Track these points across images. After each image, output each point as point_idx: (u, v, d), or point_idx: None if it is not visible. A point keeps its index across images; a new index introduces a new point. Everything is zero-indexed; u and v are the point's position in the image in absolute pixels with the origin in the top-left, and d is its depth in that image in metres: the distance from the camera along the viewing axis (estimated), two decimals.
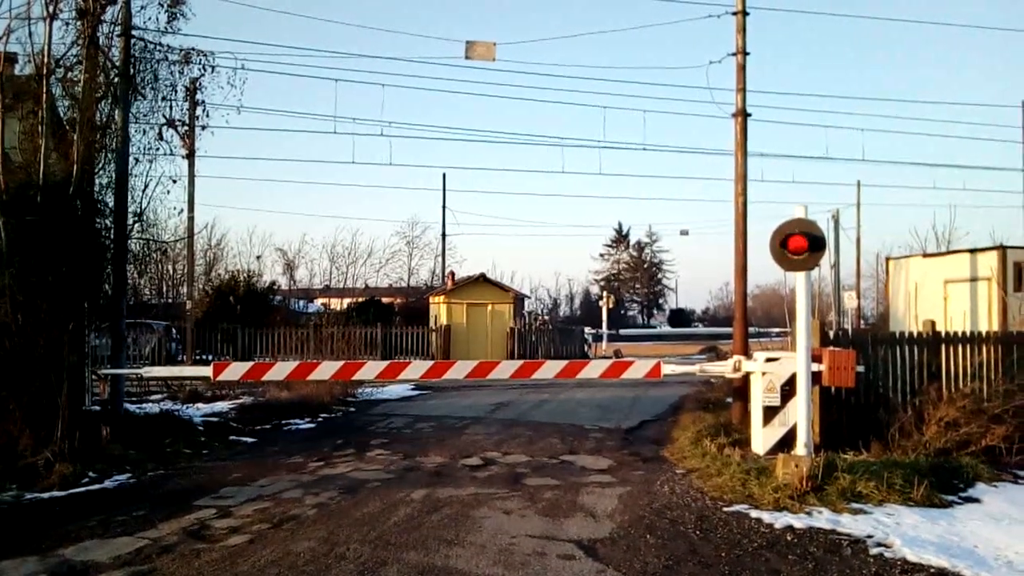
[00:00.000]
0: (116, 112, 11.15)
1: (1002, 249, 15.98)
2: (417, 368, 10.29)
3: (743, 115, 12.18)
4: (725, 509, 7.25)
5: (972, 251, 16.83)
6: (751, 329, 15.63)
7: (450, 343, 28.65)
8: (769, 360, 9.14)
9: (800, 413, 8.31)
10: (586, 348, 34.50)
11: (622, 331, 55.69)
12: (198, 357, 23.95)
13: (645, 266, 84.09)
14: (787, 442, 8.66)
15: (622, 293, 78.16)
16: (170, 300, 35.66)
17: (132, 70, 11.39)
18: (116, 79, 11.20)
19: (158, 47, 11.69)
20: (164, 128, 12.11)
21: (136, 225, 11.65)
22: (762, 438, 8.99)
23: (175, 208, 30.52)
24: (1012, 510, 7.17)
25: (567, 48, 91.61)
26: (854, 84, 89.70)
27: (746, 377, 9.71)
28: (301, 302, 39.97)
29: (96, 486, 8.41)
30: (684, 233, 48.41)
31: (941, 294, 16.84)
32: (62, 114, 10.62)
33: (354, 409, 15.51)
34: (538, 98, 48.58)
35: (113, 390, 11.01)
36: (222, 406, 14.13)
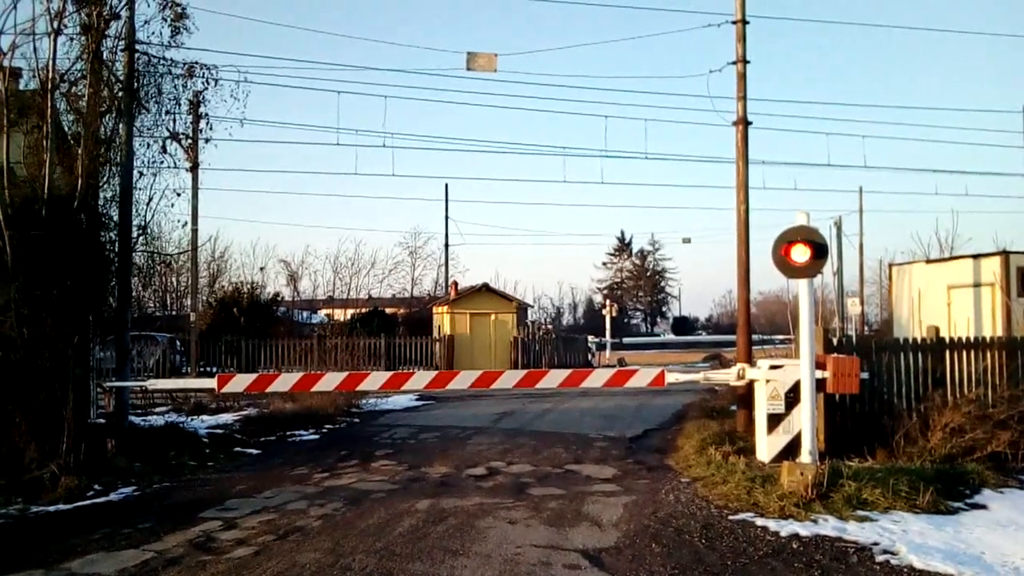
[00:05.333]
0: (120, 126, 11.22)
1: (1005, 254, 15.95)
2: (421, 378, 10.33)
3: (744, 123, 12.22)
4: (730, 517, 7.24)
5: (975, 257, 16.79)
6: (755, 336, 15.62)
7: (454, 353, 28.65)
8: (773, 367, 9.14)
9: (804, 420, 8.31)
10: (590, 357, 34.45)
11: (626, 339, 55.62)
12: (202, 369, 23.99)
13: (648, 274, 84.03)
14: (792, 449, 8.65)
15: (625, 301, 78.10)
16: (174, 312, 35.69)
17: (136, 84, 11.47)
18: (120, 93, 11.27)
19: (162, 61, 11.78)
20: (168, 141, 12.19)
21: (140, 238, 11.72)
22: (767, 446, 8.98)
23: (179, 221, 30.46)
24: (1019, 516, 7.15)
25: (568, 58, 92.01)
26: (855, 91, 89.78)
27: (750, 385, 9.70)
28: (305, 313, 40.01)
29: (102, 499, 8.42)
30: (686, 241, 48.84)
31: (945, 300, 16.80)
32: (67, 128, 10.69)
33: (358, 420, 15.52)
34: (540, 108, 48.67)
35: (118, 403, 11.03)
36: (227, 418, 14.14)
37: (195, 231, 23.96)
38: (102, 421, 10.59)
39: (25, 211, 9.51)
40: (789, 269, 8.45)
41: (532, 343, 30.38)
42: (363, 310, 37.74)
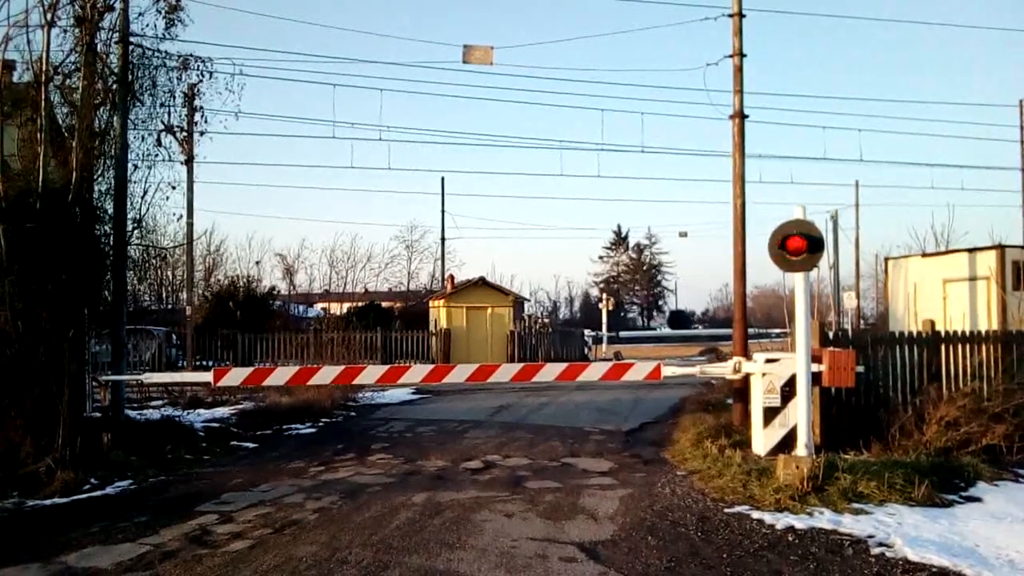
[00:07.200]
0: (115, 119, 11.16)
1: (1001, 248, 15.99)
2: (417, 372, 10.29)
3: (741, 117, 12.20)
4: (726, 510, 7.26)
5: (971, 251, 16.83)
6: (751, 330, 15.61)
7: (450, 347, 28.65)
8: (769, 361, 9.15)
9: (800, 414, 8.32)
10: (586, 350, 34.50)
11: (622, 333, 55.72)
12: (198, 363, 23.97)
13: (644, 268, 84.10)
14: (788, 443, 8.67)
15: (622, 295, 78.16)
16: (170, 306, 35.65)
17: (130, 77, 11.41)
18: (114, 86, 11.22)
19: (156, 53, 11.72)
20: (163, 134, 12.12)
21: (135, 231, 11.66)
22: (763, 439, 9.00)
23: (174, 214, 30.50)
24: (1013, 509, 7.18)
25: (564, 51, 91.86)
26: (851, 85, 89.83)
27: (746, 378, 9.72)
28: (301, 307, 39.99)
29: (98, 493, 8.41)
30: (683, 235, 48.44)
31: (940, 294, 16.84)
32: (61, 121, 10.63)
33: (354, 413, 15.51)
34: (536, 101, 48.79)
35: (114, 397, 11.01)
36: (223, 412, 14.13)
37: (191, 224, 23.95)
38: (98, 415, 10.57)
39: (19, 204, 9.46)
40: (785, 263, 8.44)
41: (529, 337, 30.40)
42: (359, 304, 37.71)
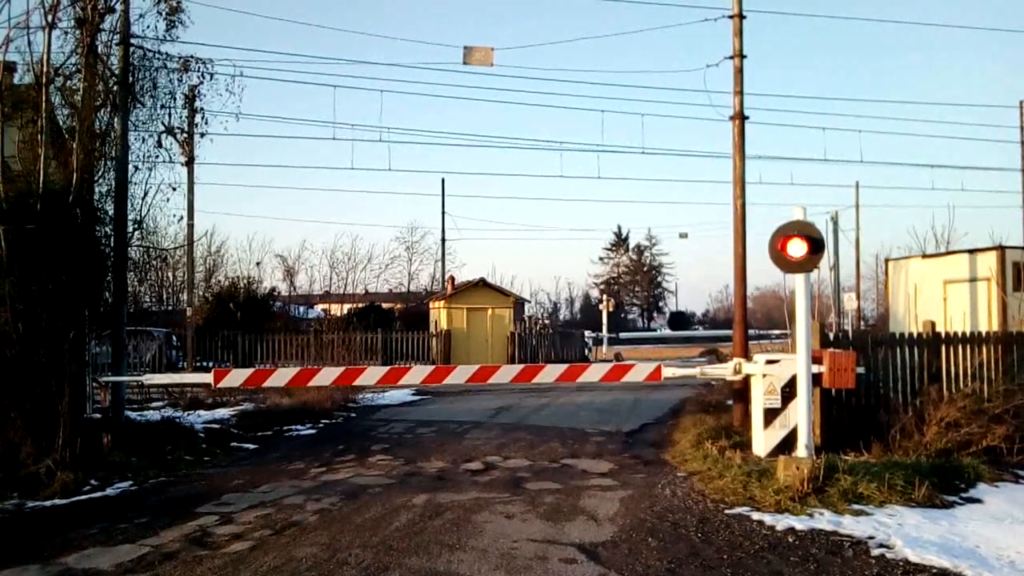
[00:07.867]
0: (115, 120, 11.17)
1: (1001, 249, 16.00)
2: (418, 373, 10.29)
3: (741, 118, 12.20)
4: (726, 511, 7.26)
5: (971, 251, 16.84)
6: (751, 331, 15.64)
7: (450, 348, 28.65)
8: (769, 362, 9.14)
9: (801, 415, 8.31)
10: (586, 351, 34.50)
11: (622, 334, 55.64)
12: (199, 364, 23.97)
13: (645, 269, 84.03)
14: (788, 444, 8.66)
15: (622, 296, 78.11)
16: (170, 307, 35.60)
17: (131, 78, 11.42)
18: (115, 87, 11.22)
19: (157, 55, 11.72)
20: (163, 136, 12.13)
21: (136, 233, 11.66)
22: (763, 440, 8.99)
23: (175, 215, 30.41)
24: (1014, 510, 7.18)
25: (565, 52, 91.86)
26: (852, 86, 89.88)
27: (746, 379, 9.71)
28: (301, 308, 39.98)
29: (98, 494, 8.42)
30: (683, 236, 48.40)
31: (941, 295, 16.85)
32: (61, 123, 10.64)
33: (355, 415, 15.51)
34: (536, 102, 48.79)
35: (114, 398, 11.00)
36: (223, 413, 14.13)
37: (191, 226, 23.96)
38: (98, 416, 10.56)
39: (20, 205, 9.47)
40: (786, 264, 8.44)
41: (529, 338, 30.40)
42: (360, 305, 37.70)
